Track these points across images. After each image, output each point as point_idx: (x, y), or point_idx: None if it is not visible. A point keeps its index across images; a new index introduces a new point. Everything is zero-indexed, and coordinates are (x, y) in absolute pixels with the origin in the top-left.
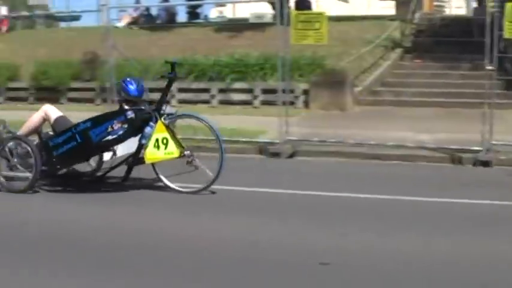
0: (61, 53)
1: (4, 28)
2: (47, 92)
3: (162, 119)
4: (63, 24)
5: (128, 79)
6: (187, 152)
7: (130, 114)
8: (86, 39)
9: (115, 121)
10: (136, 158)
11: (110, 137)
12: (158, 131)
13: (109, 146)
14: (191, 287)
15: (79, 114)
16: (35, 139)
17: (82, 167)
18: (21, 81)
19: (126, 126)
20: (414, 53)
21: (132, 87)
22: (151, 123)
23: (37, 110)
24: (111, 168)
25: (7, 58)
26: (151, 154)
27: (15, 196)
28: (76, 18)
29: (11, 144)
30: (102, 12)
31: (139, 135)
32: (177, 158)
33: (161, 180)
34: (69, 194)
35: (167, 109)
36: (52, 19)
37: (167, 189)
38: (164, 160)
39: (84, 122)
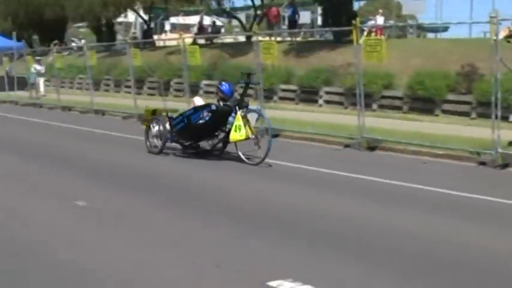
0: (436, 63)
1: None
2: (421, 102)
3: (240, 111)
4: (430, 35)
5: (223, 82)
6: (252, 136)
7: (213, 107)
8: (460, 51)
9: (205, 111)
10: (226, 138)
11: (201, 121)
12: (237, 120)
13: (203, 127)
14: None
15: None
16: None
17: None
18: (396, 90)
19: (210, 114)
20: None
21: (225, 88)
22: (232, 114)
23: (411, 119)
24: (214, 146)
25: (383, 66)
26: (232, 136)
27: (154, 156)
28: (445, 29)
29: (153, 122)
30: (491, 25)
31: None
32: (246, 139)
33: (238, 155)
34: (188, 158)
35: (250, 106)
36: (421, 29)
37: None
38: (239, 140)
39: (189, 110)
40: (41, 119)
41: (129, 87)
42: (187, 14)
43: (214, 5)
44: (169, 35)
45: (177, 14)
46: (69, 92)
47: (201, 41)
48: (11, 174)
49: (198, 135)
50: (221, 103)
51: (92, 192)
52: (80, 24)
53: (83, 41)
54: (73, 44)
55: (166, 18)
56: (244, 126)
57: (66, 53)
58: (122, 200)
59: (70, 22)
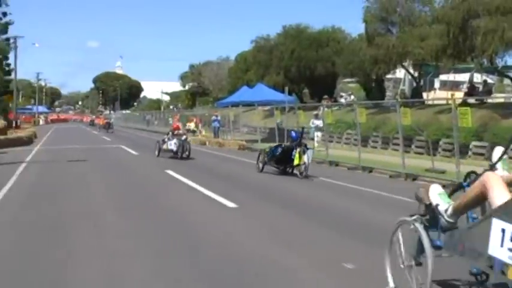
0: None
1: None
2: None
3: (298, 149)
4: None
5: (292, 131)
6: (302, 163)
7: (283, 146)
8: None
9: (279, 148)
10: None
11: (277, 154)
12: (296, 153)
13: (279, 156)
14: None
15: None
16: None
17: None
18: None
19: (280, 150)
20: None
21: (293, 134)
22: (294, 150)
23: None
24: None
25: None
26: (295, 160)
27: None
28: None
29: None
30: None
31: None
32: (298, 165)
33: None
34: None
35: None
36: None
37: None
38: (297, 165)
39: (274, 147)
40: (310, 174)
41: (397, 144)
42: (457, 71)
43: (485, 63)
44: (439, 93)
45: (447, 71)
46: (337, 147)
47: (471, 100)
48: (276, 229)
49: (278, 161)
50: (289, 143)
51: (359, 254)
52: (349, 80)
53: (352, 97)
54: (342, 100)
55: (436, 75)
56: (299, 157)
57: (335, 108)
58: None
59: (340, 77)
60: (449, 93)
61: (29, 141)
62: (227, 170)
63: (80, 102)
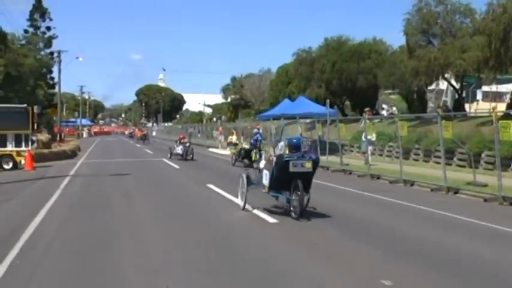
0: None
1: None
2: None
3: (254, 151)
4: None
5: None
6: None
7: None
8: None
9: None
10: None
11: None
12: (253, 153)
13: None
14: None
15: None
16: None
17: None
18: None
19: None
20: None
21: (253, 141)
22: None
23: None
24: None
25: None
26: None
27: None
28: None
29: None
30: None
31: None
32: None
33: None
34: None
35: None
36: None
37: None
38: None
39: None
40: (351, 187)
41: (438, 157)
42: (500, 81)
43: None
44: (481, 104)
45: (489, 82)
46: (378, 160)
47: None
48: (315, 244)
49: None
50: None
51: (398, 270)
52: (391, 91)
53: (394, 108)
54: (383, 112)
55: (479, 86)
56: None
57: (376, 121)
58: (430, 280)
59: (381, 89)
60: (492, 104)
61: (72, 154)
62: None
63: (122, 115)
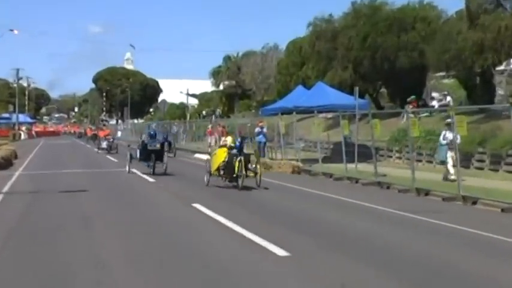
0: None
1: None
2: None
3: (238, 158)
4: None
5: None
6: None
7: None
8: None
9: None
10: None
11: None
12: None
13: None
14: None
15: None
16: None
17: None
18: None
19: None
20: None
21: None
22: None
23: None
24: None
25: None
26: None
27: None
28: None
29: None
30: None
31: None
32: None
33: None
34: None
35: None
36: None
37: None
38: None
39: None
40: (390, 206)
41: (510, 164)
42: None
43: None
44: None
45: None
46: (426, 169)
47: None
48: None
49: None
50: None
51: None
52: (444, 74)
53: (448, 98)
54: (433, 103)
55: None
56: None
57: (424, 115)
58: None
59: (431, 72)
60: None
61: (6, 163)
62: (274, 204)
63: (76, 109)
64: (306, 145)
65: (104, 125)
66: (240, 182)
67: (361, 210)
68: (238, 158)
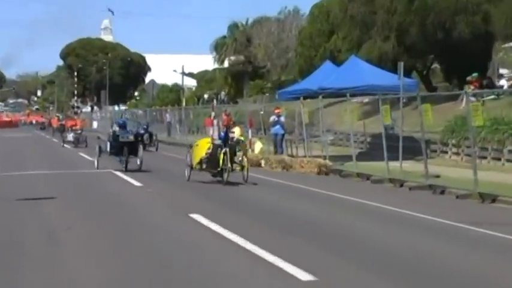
0: None
1: None
2: None
3: (223, 149)
4: None
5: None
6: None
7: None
8: None
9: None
10: None
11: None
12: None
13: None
14: None
15: None
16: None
17: None
18: None
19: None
20: None
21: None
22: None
23: None
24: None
25: None
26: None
27: None
28: None
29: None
30: None
31: None
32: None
33: None
34: None
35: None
36: None
37: None
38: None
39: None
40: (447, 218)
41: None
42: None
43: None
44: None
45: None
46: (493, 168)
47: None
48: None
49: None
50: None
51: None
52: None
53: None
54: (501, 82)
55: None
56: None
57: (489, 97)
58: None
59: (498, 42)
60: None
61: None
62: (297, 215)
63: (38, 93)
64: (336, 138)
65: (76, 113)
66: (225, 176)
67: (407, 222)
68: (223, 150)
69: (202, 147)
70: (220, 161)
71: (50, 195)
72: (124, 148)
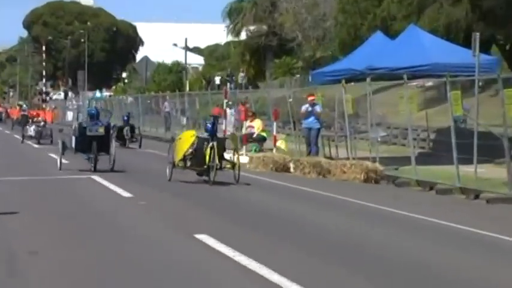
0: None
1: None
2: None
3: (210, 144)
4: None
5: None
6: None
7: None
8: None
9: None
10: None
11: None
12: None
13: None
14: None
15: None
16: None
17: None
18: None
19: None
20: None
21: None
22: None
23: None
24: None
25: None
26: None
27: None
28: None
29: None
30: None
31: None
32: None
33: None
34: None
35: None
36: None
37: None
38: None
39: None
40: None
41: None
42: None
43: None
44: None
45: None
46: None
47: None
48: None
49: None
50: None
51: None
52: None
53: None
54: None
55: None
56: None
57: None
58: None
59: None
60: None
61: None
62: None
63: None
64: (389, 134)
65: (45, 100)
66: (212, 175)
67: (495, 249)
68: (210, 144)
69: (186, 141)
70: (207, 157)
71: (10, 209)
72: (92, 143)
